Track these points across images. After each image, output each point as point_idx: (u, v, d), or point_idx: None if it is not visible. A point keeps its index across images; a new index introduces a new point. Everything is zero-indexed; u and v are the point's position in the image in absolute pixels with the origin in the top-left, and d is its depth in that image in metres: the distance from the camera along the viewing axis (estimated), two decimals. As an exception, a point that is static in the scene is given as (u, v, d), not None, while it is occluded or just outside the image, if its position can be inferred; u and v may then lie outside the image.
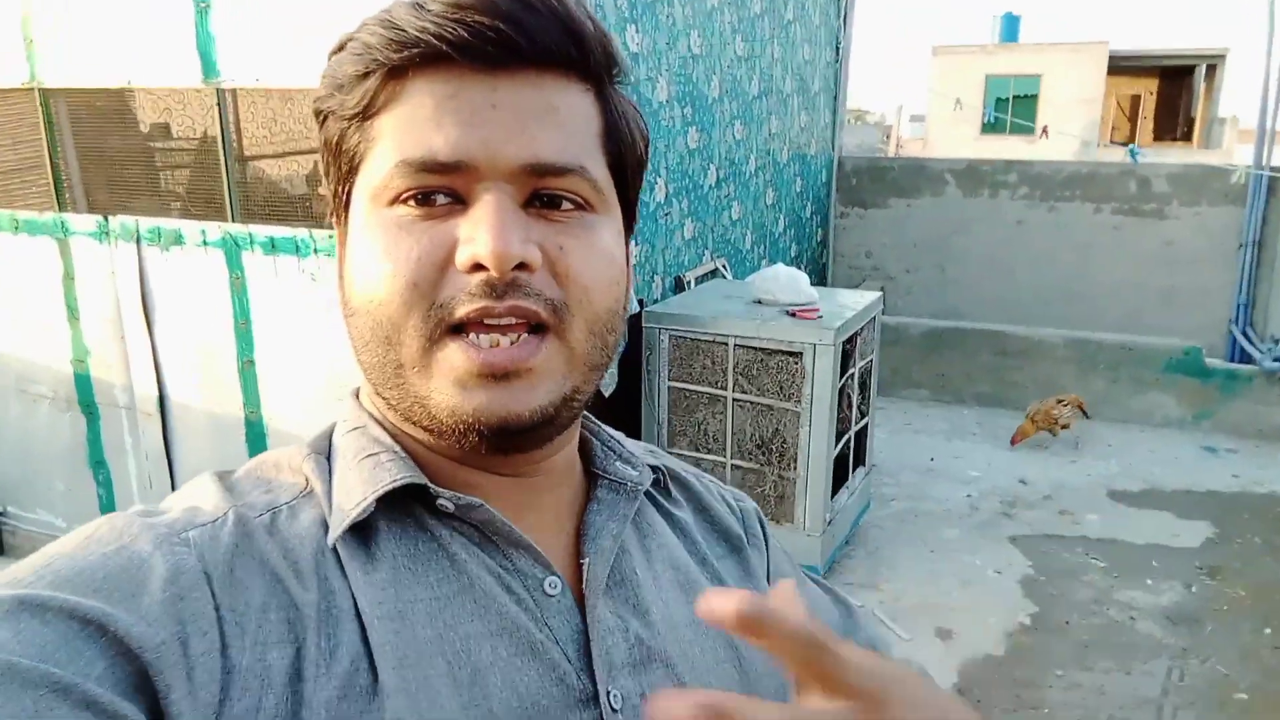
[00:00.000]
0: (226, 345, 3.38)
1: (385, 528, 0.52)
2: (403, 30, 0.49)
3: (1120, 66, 20.04)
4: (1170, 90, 22.08)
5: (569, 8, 0.51)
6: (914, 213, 6.87)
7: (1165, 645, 3.38)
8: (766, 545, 0.71)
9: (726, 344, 3.68)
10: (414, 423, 0.53)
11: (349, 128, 0.52)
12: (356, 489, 0.52)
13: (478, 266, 0.49)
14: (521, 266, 0.49)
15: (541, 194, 0.51)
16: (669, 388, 3.86)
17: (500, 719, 0.49)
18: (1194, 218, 6.30)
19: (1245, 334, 5.96)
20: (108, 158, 3.51)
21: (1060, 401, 5.15)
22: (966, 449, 5.29)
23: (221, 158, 3.23)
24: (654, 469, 0.65)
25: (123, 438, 3.71)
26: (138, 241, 3.38)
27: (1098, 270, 6.57)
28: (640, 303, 3.94)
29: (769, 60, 5.42)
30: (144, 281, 3.43)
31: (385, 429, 0.56)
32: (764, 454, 3.74)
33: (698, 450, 3.83)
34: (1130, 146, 5.77)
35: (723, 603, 0.34)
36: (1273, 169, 5.90)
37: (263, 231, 3.19)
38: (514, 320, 0.50)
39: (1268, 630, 3.47)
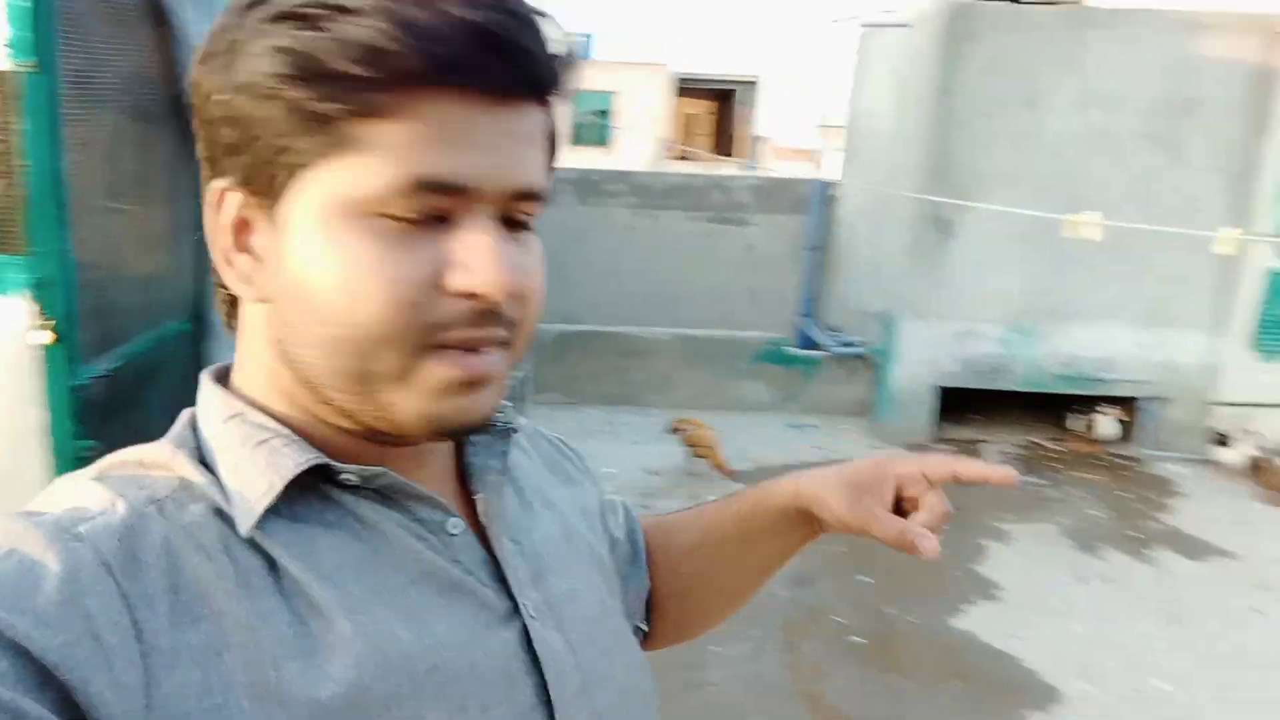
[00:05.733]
0: None
1: (289, 506, 0.53)
2: (430, 43, 0.46)
3: (682, 88, 22.41)
4: (721, 110, 25.12)
5: (557, 36, 0.52)
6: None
7: (795, 605, 3.83)
8: (592, 476, 0.82)
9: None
10: (357, 421, 0.54)
11: (307, 122, 0.48)
12: (258, 477, 0.53)
13: (472, 295, 0.50)
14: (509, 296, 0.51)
15: (511, 215, 0.53)
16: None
17: (443, 647, 0.54)
18: (770, 224, 7.21)
19: (812, 324, 6.96)
20: None
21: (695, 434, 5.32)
22: (600, 447, 5.54)
23: None
24: None
25: None
26: None
27: (695, 273, 7.26)
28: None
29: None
30: None
31: (266, 413, 0.55)
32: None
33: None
34: (746, 161, 6.40)
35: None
36: (828, 182, 6.96)
37: None
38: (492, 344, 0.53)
39: (869, 579, 4.07)
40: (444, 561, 0.57)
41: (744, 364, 6.30)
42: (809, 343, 6.53)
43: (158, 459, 0.54)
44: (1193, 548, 4.54)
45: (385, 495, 0.56)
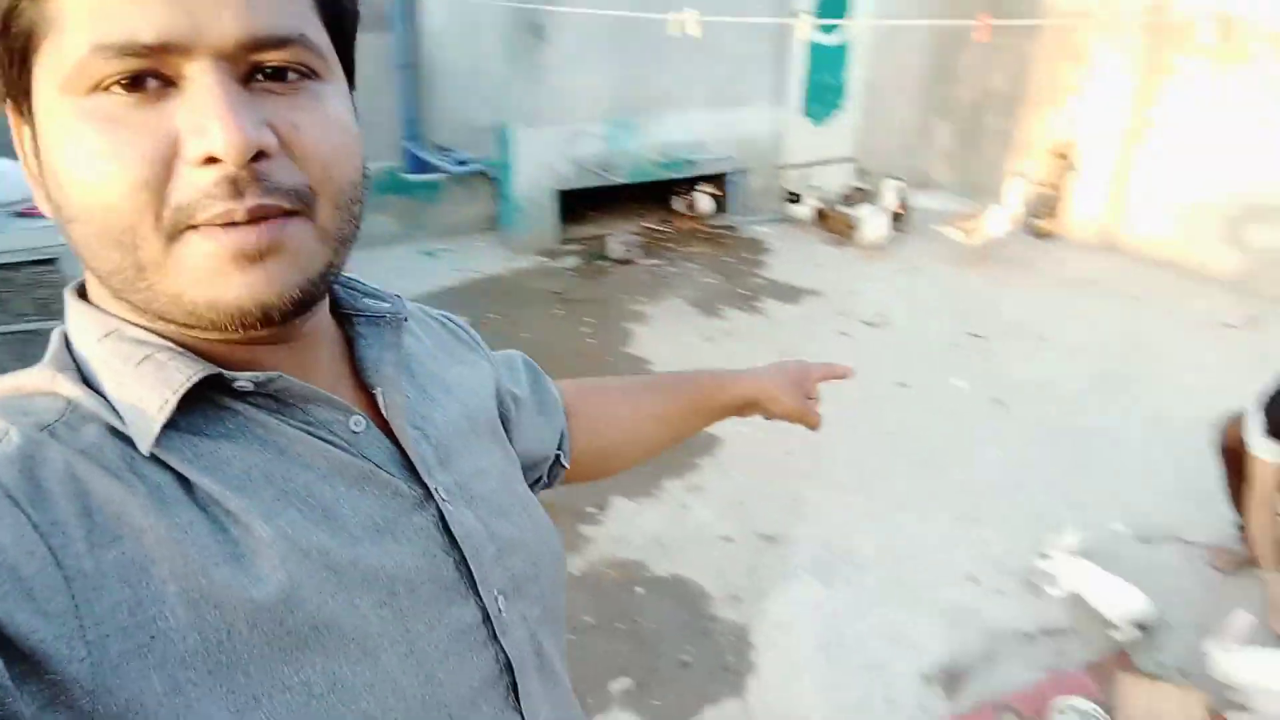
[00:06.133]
0: None
1: (186, 419, 0.52)
2: None
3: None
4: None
5: None
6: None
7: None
8: (484, 349, 0.83)
9: (-54, 271, 2.89)
10: (170, 320, 0.51)
11: (17, 4, 0.46)
12: (149, 394, 0.51)
13: (211, 159, 0.46)
14: (259, 155, 0.47)
15: (263, 68, 0.49)
16: None
17: (361, 539, 0.55)
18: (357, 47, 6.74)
19: (421, 147, 6.79)
20: None
21: None
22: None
23: None
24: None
25: None
26: None
27: (285, 108, 6.67)
28: None
29: None
30: None
31: (142, 328, 0.53)
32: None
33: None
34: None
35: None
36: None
37: None
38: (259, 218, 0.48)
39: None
40: (352, 457, 0.58)
41: (367, 199, 6.03)
42: (423, 166, 6.40)
43: (39, 383, 0.52)
44: (787, 293, 5.39)
45: (282, 400, 0.56)
